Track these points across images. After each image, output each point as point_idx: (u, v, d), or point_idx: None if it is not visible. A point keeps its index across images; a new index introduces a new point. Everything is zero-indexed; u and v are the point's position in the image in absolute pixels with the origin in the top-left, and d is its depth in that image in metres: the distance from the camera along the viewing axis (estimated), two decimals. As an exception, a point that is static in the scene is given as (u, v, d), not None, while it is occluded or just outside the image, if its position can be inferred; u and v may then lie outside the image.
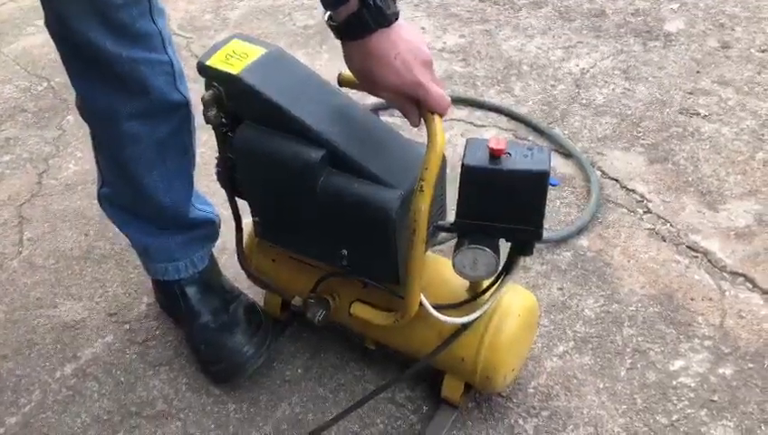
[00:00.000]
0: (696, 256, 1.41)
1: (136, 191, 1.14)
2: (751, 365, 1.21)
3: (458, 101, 1.87)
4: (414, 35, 0.86)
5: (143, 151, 1.10)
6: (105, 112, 1.06)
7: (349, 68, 0.90)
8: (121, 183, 1.15)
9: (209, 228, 1.26)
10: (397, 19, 0.85)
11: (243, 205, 1.13)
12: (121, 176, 1.13)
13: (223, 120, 1.02)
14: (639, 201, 1.55)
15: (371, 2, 0.81)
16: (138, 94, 1.04)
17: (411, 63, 0.85)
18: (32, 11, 2.38)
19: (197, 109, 1.09)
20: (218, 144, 1.07)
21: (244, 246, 1.20)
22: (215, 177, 1.11)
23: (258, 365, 1.20)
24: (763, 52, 2.02)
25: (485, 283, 1.03)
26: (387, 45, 0.84)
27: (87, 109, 1.10)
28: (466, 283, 1.05)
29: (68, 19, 0.95)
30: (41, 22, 1.02)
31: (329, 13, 0.85)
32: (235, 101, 1.01)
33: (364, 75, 0.88)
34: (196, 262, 1.24)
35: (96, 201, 1.24)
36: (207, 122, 1.01)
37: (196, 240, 1.24)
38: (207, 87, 1.01)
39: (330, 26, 0.86)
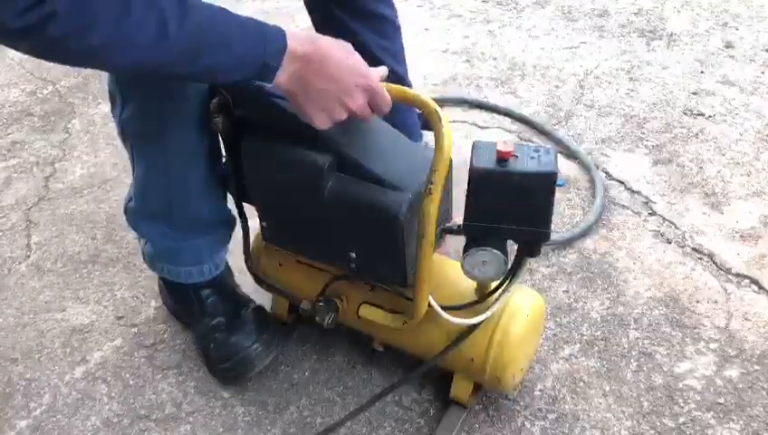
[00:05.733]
0: (702, 258, 1.41)
1: (177, 197, 1.13)
2: (757, 367, 1.21)
3: (462, 102, 1.88)
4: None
5: (190, 154, 1.09)
6: (157, 124, 1.05)
7: None
8: (160, 192, 1.14)
9: (232, 227, 1.25)
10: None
11: (249, 209, 1.14)
12: (164, 185, 1.12)
13: (230, 126, 1.02)
14: (644, 203, 1.55)
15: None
16: (188, 100, 1.03)
17: None
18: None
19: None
20: (225, 150, 1.07)
21: (251, 250, 1.20)
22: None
23: (266, 364, 1.20)
24: (767, 51, 2.02)
25: (493, 284, 1.04)
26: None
27: (138, 126, 1.08)
28: (474, 284, 1.05)
29: None
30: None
31: None
32: (242, 108, 1.02)
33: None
34: (218, 263, 1.24)
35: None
36: (215, 129, 1.02)
37: (224, 240, 1.24)
38: (214, 94, 1.01)
39: None
